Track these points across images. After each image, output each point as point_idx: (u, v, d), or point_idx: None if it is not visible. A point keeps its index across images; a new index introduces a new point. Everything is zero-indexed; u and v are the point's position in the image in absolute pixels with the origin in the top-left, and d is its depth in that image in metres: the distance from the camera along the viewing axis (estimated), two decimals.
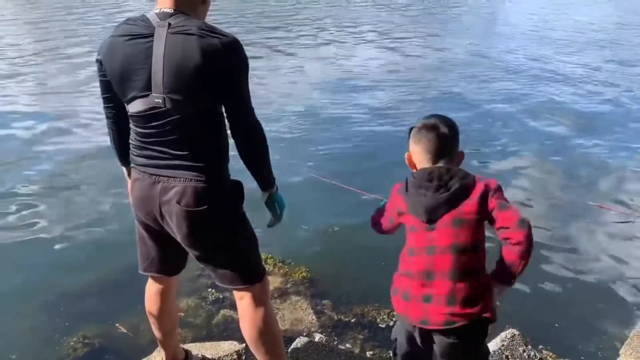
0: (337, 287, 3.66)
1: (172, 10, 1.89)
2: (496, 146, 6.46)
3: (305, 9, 21.66)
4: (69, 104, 7.97)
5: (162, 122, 1.90)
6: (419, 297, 1.85)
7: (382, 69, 10.64)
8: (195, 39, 1.81)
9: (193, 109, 1.88)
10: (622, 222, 4.66)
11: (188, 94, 1.85)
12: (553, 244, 4.28)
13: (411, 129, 2.00)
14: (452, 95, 8.84)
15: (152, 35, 1.84)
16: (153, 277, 2.33)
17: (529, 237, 1.75)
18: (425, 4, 24.89)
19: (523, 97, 8.79)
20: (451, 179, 1.85)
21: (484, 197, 1.83)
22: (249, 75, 1.95)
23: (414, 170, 1.98)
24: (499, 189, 1.86)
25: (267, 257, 3.82)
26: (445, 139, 1.92)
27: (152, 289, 2.37)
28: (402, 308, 1.91)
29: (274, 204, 2.19)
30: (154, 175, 1.99)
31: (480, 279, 1.84)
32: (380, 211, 2.11)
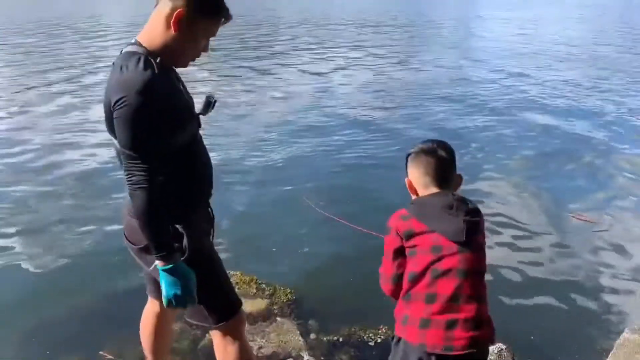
0: (323, 308, 3.65)
1: (134, 40, 1.86)
2: (469, 159, 6.60)
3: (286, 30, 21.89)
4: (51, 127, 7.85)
5: (115, 154, 1.92)
6: (441, 322, 1.80)
7: (370, 92, 10.76)
8: (113, 73, 1.77)
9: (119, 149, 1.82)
10: (599, 231, 4.76)
11: (109, 128, 1.83)
12: (533, 257, 4.35)
13: (408, 155, 2.03)
14: (432, 114, 9.04)
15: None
16: (150, 298, 2.35)
17: None
18: (403, 22, 25.39)
19: (494, 112, 9.04)
20: (469, 204, 1.92)
21: (484, 233, 1.95)
22: (146, 127, 1.71)
23: (418, 194, 2.00)
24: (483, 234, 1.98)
25: (251, 280, 3.80)
26: (445, 161, 1.97)
27: (147, 309, 2.39)
28: (418, 336, 1.83)
29: (160, 281, 1.90)
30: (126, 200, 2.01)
31: (486, 303, 1.90)
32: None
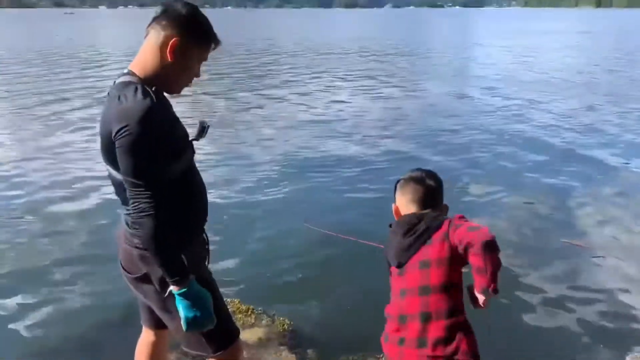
0: (321, 336, 3.60)
1: (127, 70, 1.89)
2: (465, 184, 6.60)
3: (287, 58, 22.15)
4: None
5: (110, 181, 1.94)
6: (395, 340, 1.89)
7: (372, 120, 10.84)
8: (110, 103, 1.79)
9: (118, 173, 1.83)
10: (595, 257, 4.74)
11: (107, 157, 1.85)
12: (528, 283, 4.31)
13: (398, 181, 2.07)
14: (430, 139, 9.09)
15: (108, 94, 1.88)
16: (145, 328, 2.34)
17: (484, 233, 1.71)
18: (401, 51, 25.70)
19: (493, 138, 9.10)
20: (419, 222, 1.90)
21: (447, 234, 1.83)
22: (148, 155, 1.73)
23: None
24: (458, 219, 1.86)
25: (248, 308, 3.77)
26: (431, 190, 2.00)
27: (142, 339, 2.37)
28: (385, 349, 1.97)
29: (177, 306, 1.88)
30: (120, 226, 2.04)
31: (454, 320, 1.83)
32: None
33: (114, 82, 1.89)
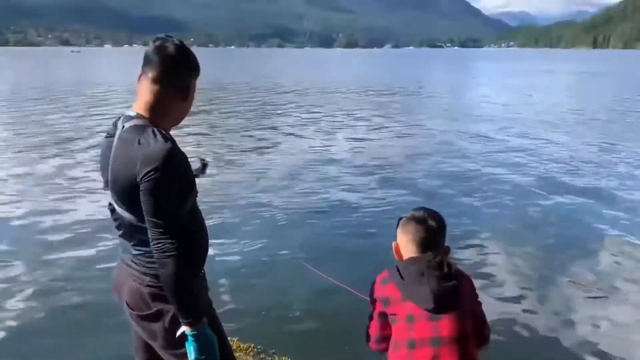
0: None
1: (134, 113, 1.92)
2: (467, 223, 6.55)
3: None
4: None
5: (117, 219, 1.97)
6: None
7: (365, 155, 10.90)
8: (128, 146, 1.82)
9: (133, 215, 1.87)
10: (598, 297, 4.70)
11: (123, 201, 1.88)
12: (531, 323, 4.25)
13: (400, 219, 2.06)
14: (428, 178, 9.13)
15: (114, 136, 1.90)
16: None
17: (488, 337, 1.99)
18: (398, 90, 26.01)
19: (494, 177, 9.11)
20: (450, 269, 1.89)
21: (472, 297, 1.94)
22: (174, 196, 1.78)
23: (403, 260, 2.01)
24: (477, 295, 2.00)
25: (248, 347, 3.71)
26: (433, 231, 1.98)
27: None
28: None
29: (187, 347, 1.89)
30: (121, 266, 2.05)
31: None
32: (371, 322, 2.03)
33: (121, 124, 1.91)
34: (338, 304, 4.45)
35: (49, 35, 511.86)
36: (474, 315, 1.89)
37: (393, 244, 2.05)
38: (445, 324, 1.81)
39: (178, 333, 1.89)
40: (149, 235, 1.81)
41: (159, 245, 1.78)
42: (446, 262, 1.90)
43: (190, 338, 1.86)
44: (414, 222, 1.99)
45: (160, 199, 1.76)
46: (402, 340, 1.85)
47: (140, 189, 1.77)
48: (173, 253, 1.77)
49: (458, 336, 1.80)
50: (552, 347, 3.94)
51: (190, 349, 1.87)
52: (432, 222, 1.98)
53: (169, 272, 1.78)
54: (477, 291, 1.99)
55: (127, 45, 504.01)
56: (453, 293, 1.85)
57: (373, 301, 1.98)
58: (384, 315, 1.93)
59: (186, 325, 1.85)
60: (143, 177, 1.75)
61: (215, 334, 1.98)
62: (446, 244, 2.02)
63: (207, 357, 1.88)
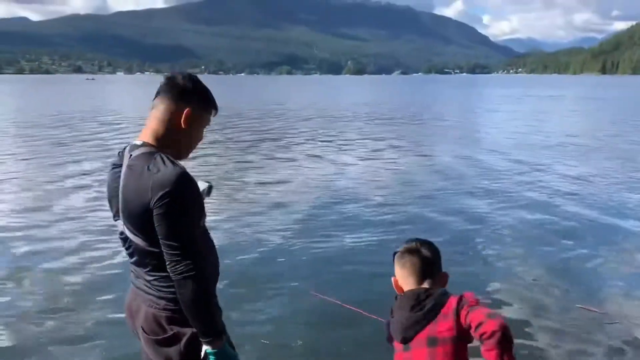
0: None
1: (141, 142, 1.99)
2: (473, 248, 6.54)
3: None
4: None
5: (129, 247, 2.01)
6: None
7: (375, 183, 10.95)
8: (137, 175, 1.88)
9: (147, 240, 1.92)
10: (609, 324, 4.64)
11: (136, 228, 1.93)
12: (541, 346, 4.20)
13: (395, 253, 2.09)
14: (435, 206, 9.10)
15: (121, 166, 1.97)
16: None
17: (503, 325, 1.66)
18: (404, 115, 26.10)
19: (505, 203, 9.08)
20: (427, 298, 1.89)
21: (456, 312, 1.81)
22: (187, 218, 1.84)
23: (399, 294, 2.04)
24: (470, 298, 1.84)
25: None
26: (426, 260, 2.01)
27: None
28: None
29: None
30: (135, 291, 2.09)
31: None
32: None
33: (128, 154, 1.97)
34: (348, 326, 4.41)
35: (63, 63, 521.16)
36: (464, 330, 1.79)
37: (392, 279, 2.08)
38: (414, 355, 1.84)
39: (202, 354, 1.91)
40: (165, 258, 1.85)
41: (177, 267, 1.83)
42: (427, 291, 1.91)
43: (212, 357, 1.89)
44: (407, 255, 2.03)
45: (175, 222, 1.81)
46: None
47: (154, 213, 1.82)
48: (191, 274, 1.82)
49: None
50: None
51: None
52: (425, 252, 2.02)
53: (188, 293, 1.83)
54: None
55: (139, 73, 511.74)
56: (422, 322, 1.85)
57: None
58: None
59: (207, 344, 1.89)
60: (156, 202, 1.80)
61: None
62: (452, 267, 2.04)
63: None
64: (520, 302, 5.06)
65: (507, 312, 4.84)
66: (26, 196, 9.47)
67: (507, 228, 7.54)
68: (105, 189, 2.07)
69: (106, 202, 2.06)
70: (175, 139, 2.00)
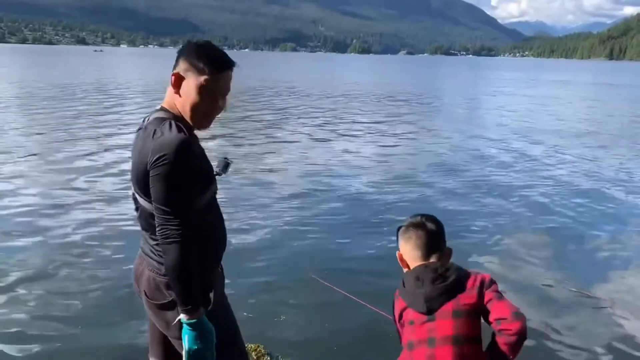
0: None
1: (159, 107, 2.03)
2: (473, 232, 6.58)
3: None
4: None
5: (137, 208, 2.05)
6: None
7: (382, 165, 10.92)
8: (145, 137, 1.91)
9: (150, 203, 1.93)
10: (602, 308, 4.69)
11: (141, 189, 1.95)
12: (533, 329, 4.25)
13: (399, 228, 2.09)
14: (439, 187, 9.14)
15: (141, 129, 2.01)
16: None
17: (524, 328, 1.77)
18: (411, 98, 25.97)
19: (501, 186, 9.12)
20: (447, 270, 1.91)
21: (480, 290, 1.87)
22: (179, 185, 1.83)
23: (409, 267, 2.03)
24: (493, 282, 1.92)
25: (254, 347, 3.73)
26: (433, 234, 2.02)
27: None
28: None
29: (183, 335, 1.92)
30: (141, 256, 2.13)
31: None
32: None
33: (148, 117, 2.02)
34: (346, 314, 4.43)
35: (66, 34, 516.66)
36: (483, 308, 1.86)
37: (397, 254, 2.08)
38: (438, 325, 1.84)
39: (175, 321, 1.93)
40: (156, 221, 1.87)
41: (163, 231, 1.85)
42: (442, 265, 1.92)
43: (186, 327, 1.89)
44: (412, 228, 2.03)
45: (166, 186, 1.82)
46: (405, 344, 1.91)
47: (150, 175, 1.84)
48: (176, 240, 1.83)
49: (453, 336, 1.81)
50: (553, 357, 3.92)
51: (185, 338, 1.89)
52: (431, 225, 2.03)
53: (170, 258, 1.84)
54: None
55: (142, 46, 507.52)
56: (447, 294, 1.87)
57: (395, 319, 2.02)
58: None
59: (183, 313, 1.88)
60: (153, 164, 1.83)
61: (229, 328, 2.07)
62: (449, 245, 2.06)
63: (201, 348, 1.89)
64: (514, 284, 5.11)
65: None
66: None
67: (506, 207, 7.58)
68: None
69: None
70: (194, 109, 1.97)
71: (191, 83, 1.96)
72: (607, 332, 4.31)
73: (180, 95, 1.98)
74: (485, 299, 1.86)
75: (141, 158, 1.88)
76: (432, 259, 1.98)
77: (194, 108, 1.98)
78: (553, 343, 4.11)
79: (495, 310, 1.82)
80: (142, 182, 1.91)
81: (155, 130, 1.88)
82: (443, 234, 2.05)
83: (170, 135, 1.84)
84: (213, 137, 12.96)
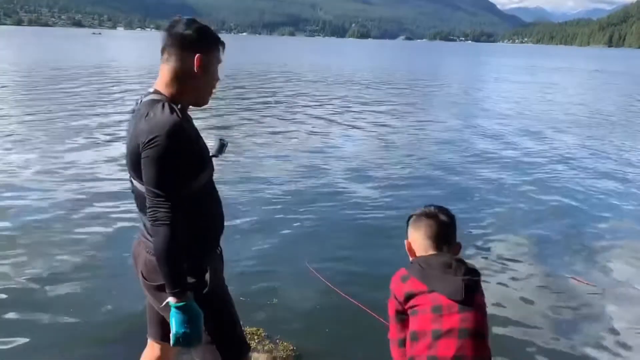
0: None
1: (153, 90, 2.02)
2: (473, 218, 6.60)
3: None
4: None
5: (133, 192, 2.05)
6: None
7: (379, 152, 10.85)
8: (138, 120, 1.90)
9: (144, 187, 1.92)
10: (595, 294, 4.71)
11: (135, 171, 1.94)
12: (528, 318, 4.27)
13: (410, 217, 2.06)
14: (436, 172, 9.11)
15: (135, 110, 2.01)
16: (150, 343, 2.35)
17: None
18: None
19: (503, 170, 9.12)
20: (464, 264, 1.91)
21: (482, 294, 1.93)
22: (170, 167, 1.82)
23: (419, 256, 1.99)
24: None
25: (253, 331, 3.74)
26: (445, 226, 1.99)
27: (146, 353, 2.38)
28: None
29: (170, 318, 1.91)
30: (139, 237, 2.15)
31: None
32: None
33: (140, 99, 2.01)
34: (342, 299, 4.40)
35: (62, 16, 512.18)
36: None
37: (405, 243, 2.06)
38: (472, 317, 1.80)
39: (162, 304, 1.92)
40: (146, 203, 1.86)
41: (153, 213, 1.83)
42: (460, 260, 1.93)
43: (173, 310, 1.87)
44: (425, 218, 2.01)
45: (157, 169, 1.81)
46: (426, 332, 1.81)
47: (142, 157, 1.83)
48: (165, 222, 1.81)
49: (482, 330, 1.81)
50: (550, 343, 3.94)
51: (172, 321, 1.88)
52: (443, 217, 2.00)
53: (159, 240, 1.83)
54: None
55: (139, 29, 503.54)
56: (477, 287, 1.87)
57: (391, 305, 1.96)
58: (402, 315, 1.91)
59: (171, 295, 1.87)
60: (144, 146, 1.81)
61: (224, 312, 2.08)
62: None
63: (188, 332, 1.88)
64: (512, 271, 5.12)
65: (498, 279, 4.92)
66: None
67: (505, 196, 7.59)
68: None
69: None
70: (193, 87, 2.00)
71: (208, 61, 2.01)
72: (600, 318, 4.32)
73: (200, 74, 1.99)
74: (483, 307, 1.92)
75: (134, 140, 1.87)
76: (444, 250, 1.96)
77: (211, 84, 2.06)
78: (543, 329, 4.12)
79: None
80: (135, 164, 1.90)
81: (147, 113, 1.86)
82: (454, 226, 2.02)
83: (162, 117, 1.83)
84: (207, 119, 12.91)
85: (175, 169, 1.83)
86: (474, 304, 1.82)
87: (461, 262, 1.90)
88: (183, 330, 1.87)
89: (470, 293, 1.82)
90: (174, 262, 1.84)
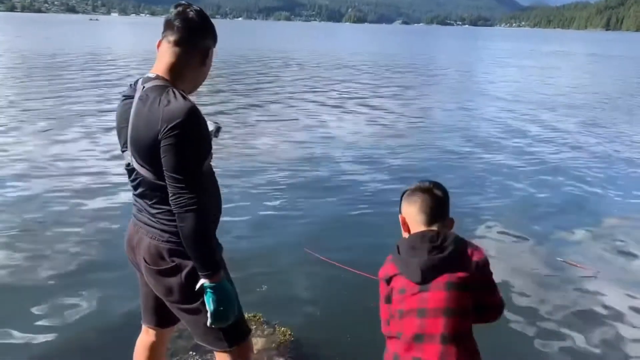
0: (322, 350, 3.58)
1: (154, 75, 1.99)
2: (466, 199, 6.66)
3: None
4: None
5: (135, 178, 2.03)
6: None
7: (374, 136, 10.87)
8: (149, 106, 1.88)
9: (154, 173, 1.93)
10: (588, 277, 4.75)
11: (144, 159, 1.94)
12: (521, 301, 4.30)
13: (404, 192, 2.06)
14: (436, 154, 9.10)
15: (132, 97, 1.98)
16: (145, 329, 2.36)
17: (501, 314, 1.99)
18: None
19: (500, 153, 9.14)
20: (444, 241, 1.88)
21: (476, 267, 1.87)
22: (194, 152, 1.86)
23: (407, 233, 2.01)
24: (488, 263, 1.92)
25: (250, 316, 3.76)
26: (439, 200, 1.99)
27: (141, 341, 2.39)
28: None
29: (207, 299, 1.97)
30: (137, 224, 2.12)
31: (467, 345, 1.84)
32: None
33: (141, 85, 1.97)
34: (341, 284, 4.45)
35: (55, 2, 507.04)
36: (475, 286, 1.86)
37: (399, 217, 2.06)
38: (431, 296, 1.82)
39: (197, 286, 1.95)
40: (169, 190, 1.87)
41: (179, 199, 1.85)
42: (442, 234, 1.90)
43: (208, 290, 1.93)
44: (419, 193, 2.00)
45: (181, 155, 1.82)
46: (395, 312, 1.89)
47: (162, 145, 1.83)
48: (193, 207, 1.84)
49: (445, 308, 1.80)
50: (540, 327, 3.98)
51: (210, 301, 1.94)
52: (437, 192, 2.00)
53: (188, 226, 1.85)
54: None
55: (134, 15, 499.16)
56: (443, 266, 1.85)
57: (380, 286, 2.00)
58: (388, 298, 1.95)
59: (205, 277, 1.92)
60: (166, 132, 1.81)
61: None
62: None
63: (225, 308, 1.95)
64: (503, 251, 5.17)
65: (490, 260, 4.93)
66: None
67: (498, 178, 7.60)
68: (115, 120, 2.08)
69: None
70: (194, 77, 2.05)
71: (211, 55, 2.08)
72: (591, 302, 4.36)
73: (204, 66, 2.05)
74: (480, 279, 1.87)
75: (149, 127, 1.85)
76: (434, 227, 1.95)
77: (202, 78, 2.11)
78: (537, 313, 4.15)
79: (487, 300, 1.92)
80: (147, 151, 1.89)
81: (159, 99, 1.85)
82: (448, 202, 2.02)
83: (178, 103, 1.83)
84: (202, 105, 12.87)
85: (197, 153, 1.87)
86: (435, 284, 1.83)
87: (429, 239, 1.89)
88: (221, 308, 1.94)
89: (430, 272, 1.84)
90: (206, 245, 1.88)
